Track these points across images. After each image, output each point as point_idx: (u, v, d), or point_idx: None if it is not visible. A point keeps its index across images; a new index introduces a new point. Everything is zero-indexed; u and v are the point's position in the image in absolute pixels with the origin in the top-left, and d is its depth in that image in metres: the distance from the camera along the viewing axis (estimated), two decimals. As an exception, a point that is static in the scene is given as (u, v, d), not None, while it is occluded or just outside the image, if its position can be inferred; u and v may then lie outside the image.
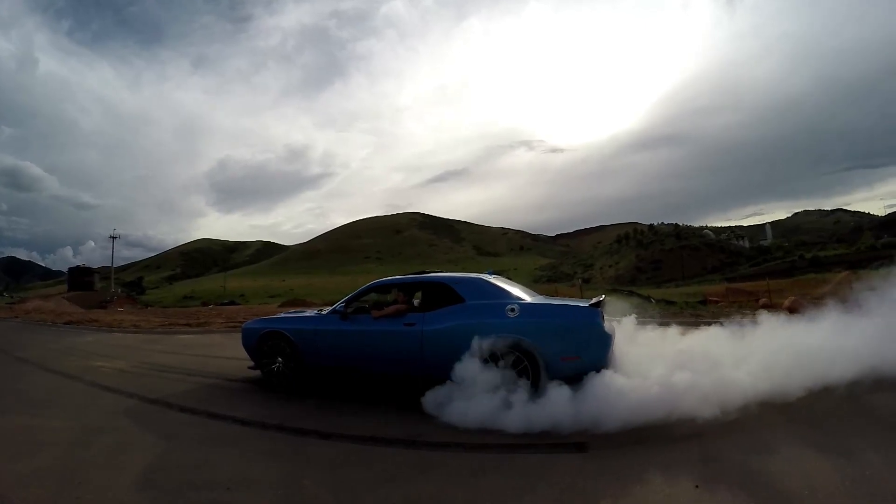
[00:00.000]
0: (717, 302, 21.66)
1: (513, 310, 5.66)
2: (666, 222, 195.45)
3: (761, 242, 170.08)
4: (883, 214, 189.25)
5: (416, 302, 6.84)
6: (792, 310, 13.01)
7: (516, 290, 6.26)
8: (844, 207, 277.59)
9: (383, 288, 7.03)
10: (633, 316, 7.09)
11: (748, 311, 13.35)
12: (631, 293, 29.09)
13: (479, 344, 5.42)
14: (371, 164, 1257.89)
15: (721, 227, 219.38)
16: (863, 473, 3.50)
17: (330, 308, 7.09)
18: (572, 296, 18.10)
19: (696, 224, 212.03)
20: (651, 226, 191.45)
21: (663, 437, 4.43)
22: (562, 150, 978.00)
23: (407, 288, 6.78)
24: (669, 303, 21.49)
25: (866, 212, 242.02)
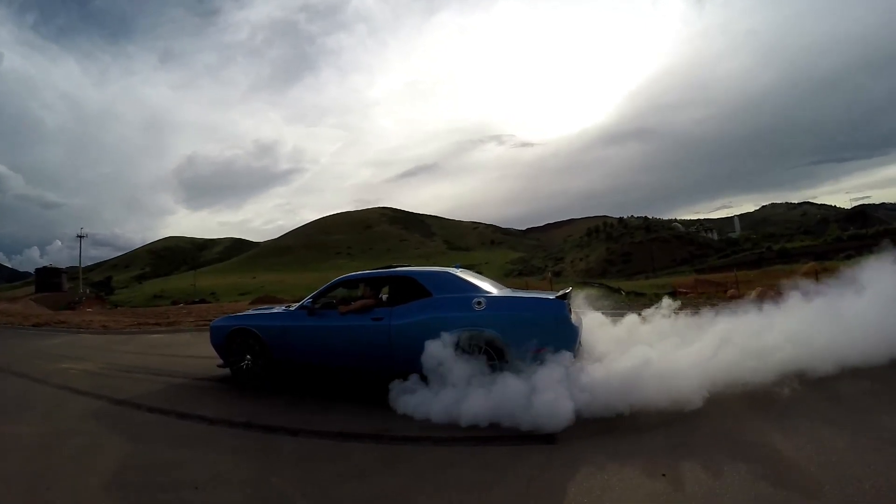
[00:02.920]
0: (686, 293, 21.99)
1: (479, 303, 5.71)
2: (635, 215, 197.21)
3: (730, 234, 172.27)
4: (849, 207, 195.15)
5: (383, 297, 6.86)
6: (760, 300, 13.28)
7: (484, 284, 6.31)
8: (811, 200, 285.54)
9: (351, 283, 7.02)
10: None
11: (716, 301, 13.61)
12: (601, 285, 29.43)
13: (447, 337, 5.46)
14: (341, 160, 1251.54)
15: (690, 219, 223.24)
16: (829, 459, 3.59)
17: (298, 304, 7.08)
18: (543, 289, 18.25)
19: (666, 217, 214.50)
20: (621, 219, 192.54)
21: (630, 427, 4.51)
22: (532, 145, 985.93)
23: (374, 283, 6.77)
24: (639, 294, 21.82)
25: (833, 204, 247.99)
